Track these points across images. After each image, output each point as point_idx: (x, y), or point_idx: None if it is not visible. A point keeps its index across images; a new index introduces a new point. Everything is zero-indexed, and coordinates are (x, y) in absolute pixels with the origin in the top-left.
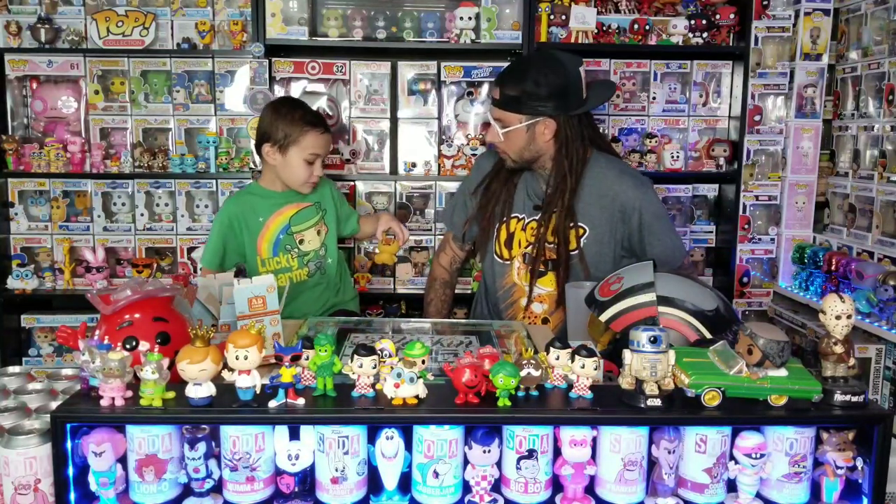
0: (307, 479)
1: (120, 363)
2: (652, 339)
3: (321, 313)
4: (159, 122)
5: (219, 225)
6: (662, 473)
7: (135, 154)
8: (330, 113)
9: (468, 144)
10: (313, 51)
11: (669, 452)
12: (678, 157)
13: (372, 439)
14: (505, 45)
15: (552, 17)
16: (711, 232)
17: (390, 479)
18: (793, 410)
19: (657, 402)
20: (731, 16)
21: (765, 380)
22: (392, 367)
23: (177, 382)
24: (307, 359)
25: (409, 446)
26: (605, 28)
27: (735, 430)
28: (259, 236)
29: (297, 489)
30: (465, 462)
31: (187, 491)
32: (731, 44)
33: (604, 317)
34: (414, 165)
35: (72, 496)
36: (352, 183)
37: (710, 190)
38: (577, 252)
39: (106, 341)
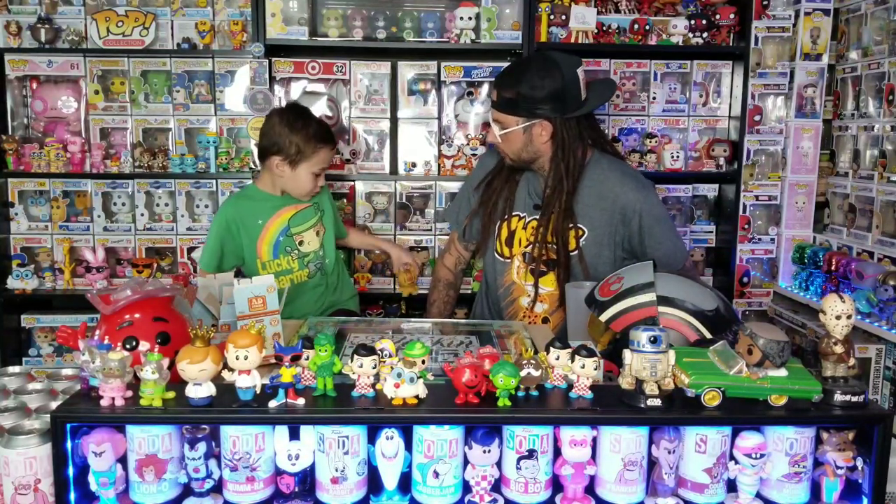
0: (307, 479)
1: (120, 363)
2: (652, 339)
3: (320, 313)
4: (159, 122)
5: (216, 228)
6: (662, 473)
7: (135, 154)
8: (330, 113)
9: (468, 144)
10: (313, 51)
11: (669, 452)
12: (678, 157)
13: (372, 439)
14: (505, 45)
15: (552, 17)
16: (711, 232)
17: (390, 479)
18: (793, 410)
19: (657, 402)
20: (731, 16)
21: (765, 380)
22: (392, 367)
23: (177, 382)
24: (307, 359)
25: (409, 446)
26: (605, 28)
27: (735, 430)
28: (259, 239)
29: (297, 489)
30: (465, 462)
31: (187, 491)
32: (731, 44)
33: (604, 317)
34: (414, 165)
35: (72, 496)
36: (352, 183)
37: (710, 190)
38: (576, 253)
39: (106, 341)
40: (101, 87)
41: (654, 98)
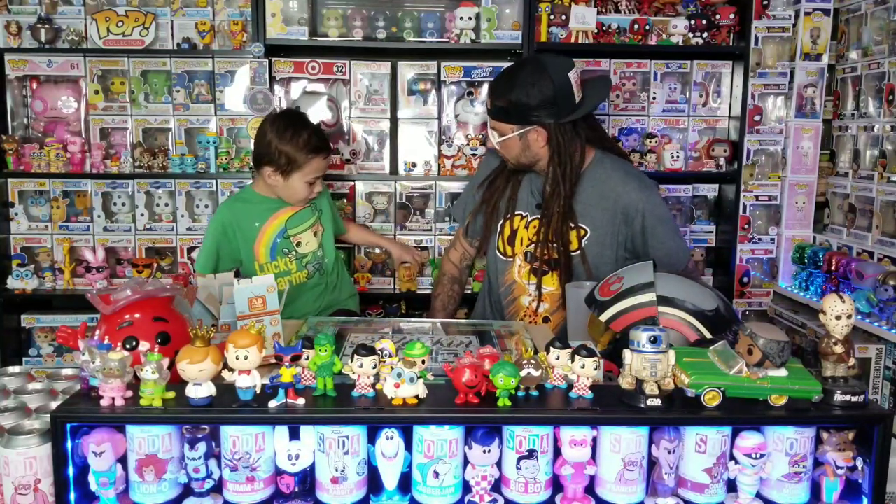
0: (307, 479)
1: (120, 363)
2: (652, 339)
3: (319, 312)
4: (159, 122)
5: (213, 230)
6: (662, 473)
7: (135, 154)
8: (330, 113)
9: (468, 144)
10: (313, 51)
11: (669, 452)
12: (678, 157)
13: (372, 439)
14: (505, 45)
15: (552, 17)
16: (711, 232)
17: (390, 479)
18: (793, 410)
19: (657, 402)
20: (731, 16)
21: (765, 380)
22: (392, 367)
23: (177, 382)
24: (307, 359)
25: (409, 446)
26: (605, 28)
27: (735, 430)
28: (255, 242)
29: (297, 489)
30: (465, 462)
31: (187, 491)
32: (731, 44)
33: (604, 317)
34: (414, 165)
35: (72, 496)
36: (352, 183)
37: (710, 190)
38: (578, 252)
39: (106, 341)
40: (101, 87)
41: (654, 98)
